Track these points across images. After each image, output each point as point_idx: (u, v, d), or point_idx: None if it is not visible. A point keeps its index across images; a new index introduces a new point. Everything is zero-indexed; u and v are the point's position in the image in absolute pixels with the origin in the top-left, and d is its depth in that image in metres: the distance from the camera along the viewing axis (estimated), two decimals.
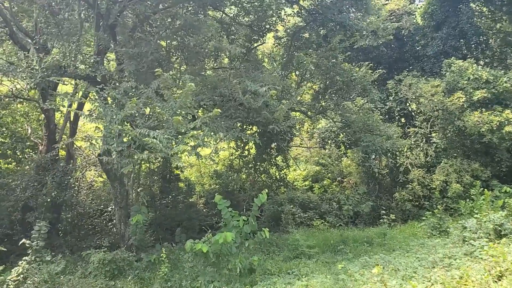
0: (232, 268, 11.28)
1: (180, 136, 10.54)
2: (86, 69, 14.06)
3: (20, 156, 21.25)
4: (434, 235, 15.91)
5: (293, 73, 18.86)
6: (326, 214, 21.57)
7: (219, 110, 10.45)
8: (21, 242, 14.90)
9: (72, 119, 18.77)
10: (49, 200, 17.84)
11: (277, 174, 24.29)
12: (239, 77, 13.12)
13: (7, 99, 18.49)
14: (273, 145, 23.44)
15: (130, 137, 10.44)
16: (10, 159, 21.31)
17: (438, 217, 16.43)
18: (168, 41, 14.65)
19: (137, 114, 11.07)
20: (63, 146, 18.03)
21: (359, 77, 17.22)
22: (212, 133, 10.82)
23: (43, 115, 19.24)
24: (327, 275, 10.90)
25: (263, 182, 24.26)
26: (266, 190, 11.46)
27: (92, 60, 14.36)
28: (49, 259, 14.60)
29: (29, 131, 20.38)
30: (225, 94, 13.02)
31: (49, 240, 18.00)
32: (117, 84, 12.30)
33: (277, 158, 24.04)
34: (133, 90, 11.77)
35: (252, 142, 24.53)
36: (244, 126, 23.34)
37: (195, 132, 10.04)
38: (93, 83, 13.02)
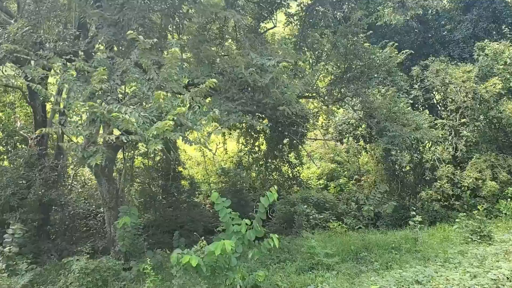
0: (231, 285, 8.45)
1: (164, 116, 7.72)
2: (64, 45, 11.34)
3: (13, 152, 18.75)
4: (474, 240, 12.86)
5: (308, 55, 15.90)
6: (344, 215, 18.67)
7: (214, 80, 7.67)
8: None
9: (61, 110, 16.09)
10: (34, 199, 15.28)
11: (289, 172, 21.45)
12: (243, 49, 10.28)
13: None
14: (285, 141, 20.68)
15: (97, 117, 7.68)
16: (2, 156, 18.82)
17: (478, 219, 13.36)
18: (162, 14, 11.83)
19: (111, 90, 8.28)
20: (43, 137, 15.37)
21: (383, 59, 14.25)
22: (204, 112, 7.99)
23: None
24: None
25: (274, 180, 21.42)
26: (276, 187, 8.60)
27: (70, 36, 11.72)
28: (23, 267, 11.97)
29: (19, 124, 17.81)
30: (226, 71, 10.20)
31: (36, 244, 15.50)
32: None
33: (289, 155, 21.20)
34: (110, 62, 8.99)
35: (263, 137, 22.18)
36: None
37: (182, 108, 7.25)
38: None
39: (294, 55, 11.16)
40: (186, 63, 10.31)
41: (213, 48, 10.79)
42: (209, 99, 10.17)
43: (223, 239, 8.07)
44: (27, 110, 18.37)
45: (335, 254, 12.02)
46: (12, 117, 18.02)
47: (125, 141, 7.56)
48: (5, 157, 18.72)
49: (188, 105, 7.84)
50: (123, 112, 7.23)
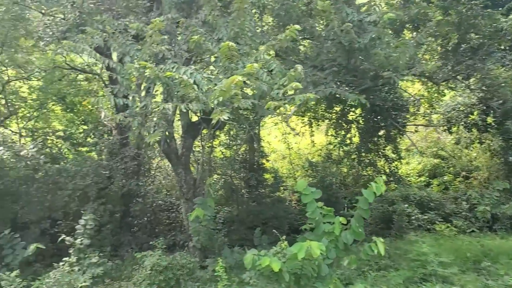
0: None
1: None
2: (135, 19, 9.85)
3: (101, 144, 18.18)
4: None
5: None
6: (452, 217, 15.69)
7: (297, 27, 5.67)
8: (60, 239, 11.37)
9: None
10: (115, 190, 14.30)
11: (386, 167, 18.71)
12: (335, 3, 8.08)
13: (65, 71, 15.26)
14: (381, 133, 18.06)
15: (152, 80, 6.00)
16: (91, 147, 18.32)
17: None
18: None
19: (174, 55, 6.59)
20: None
21: (509, 26, 11.26)
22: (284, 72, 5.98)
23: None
24: None
25: (368, 176, 18.87)
26: (384, 178, 6.37)
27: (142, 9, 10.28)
28: (95, 261, 10.82)
29: (103, 114, 17.03)
30: (313, 34, 8.11)
31: (117, 236, 14.54)
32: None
33: (386, 148, 18.50)
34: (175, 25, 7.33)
35: (355, 128, 19.69)
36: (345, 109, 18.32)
37: (255, 65, 5.33)
38: None
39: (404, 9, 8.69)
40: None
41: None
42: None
43: (310, 240, 6.02)
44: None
45: (452, 263, 9.40)
46: (96, 107, 17.34)
47: (184, 110, 5.87)
48: (93, 148, 18.26)
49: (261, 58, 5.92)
50: (182, 73, 5.50)
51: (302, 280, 6.45)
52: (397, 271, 9.46)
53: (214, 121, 5.42)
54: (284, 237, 6.89)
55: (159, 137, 6.45)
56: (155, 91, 7.01)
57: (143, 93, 6.85)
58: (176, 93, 5.93)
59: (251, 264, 6.31)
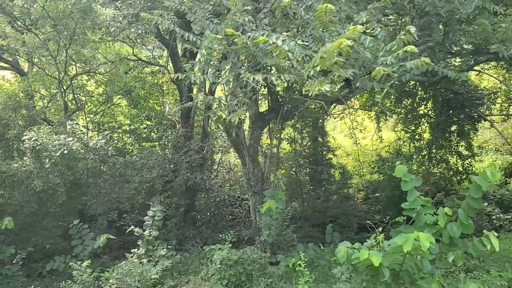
0: None
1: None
2: None
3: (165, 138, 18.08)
4: None
5: None
6: None
7: None
8: (129, 230, 11.11)
9: (207, 89, 14.54)
10: (180, 183, 13.97)
11: (459, 164, 17.33)
12: None
13: (131, 63, 15.10)
14: (453, 128, 16.76)
15: (236, 51, 5.41)
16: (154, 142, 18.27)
17: None
18: None
19: (253, 27, 5.98)
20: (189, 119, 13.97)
21: None
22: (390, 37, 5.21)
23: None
24: None
25: (440, 174, 17.61)
26: (497, 164, 5.51)
27: None
28: (163, 253, 10.44)
29: (167, 109, 16.89)
30: (403, 5, 7.22)
31: (181, 230, 14.22)
32: None
33: (459, 144, 17.14)
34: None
35: (425, 123, 18.33)
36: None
37: (358, 27, 4.61)
38: None
39: None
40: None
41: None
42: None
43: (416, 232, 5.19)
44: (174, 93, 17.46)
45: None
46: (160, 100, 17.22)
47: (275, 82, 5.22)
48: (157, 143, 18.18)
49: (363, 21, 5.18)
50: (274, 39, 4.87)
51: (401, 277, 5.65)
52: (492, 274, 8.37)
53: (312, 93, 4.74)
54: (380, 229, 6.12)
55: (243, 115, 5.87)
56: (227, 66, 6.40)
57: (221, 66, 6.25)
58: (264, 64, 5.30)
59: (345, 258, 5.57)
